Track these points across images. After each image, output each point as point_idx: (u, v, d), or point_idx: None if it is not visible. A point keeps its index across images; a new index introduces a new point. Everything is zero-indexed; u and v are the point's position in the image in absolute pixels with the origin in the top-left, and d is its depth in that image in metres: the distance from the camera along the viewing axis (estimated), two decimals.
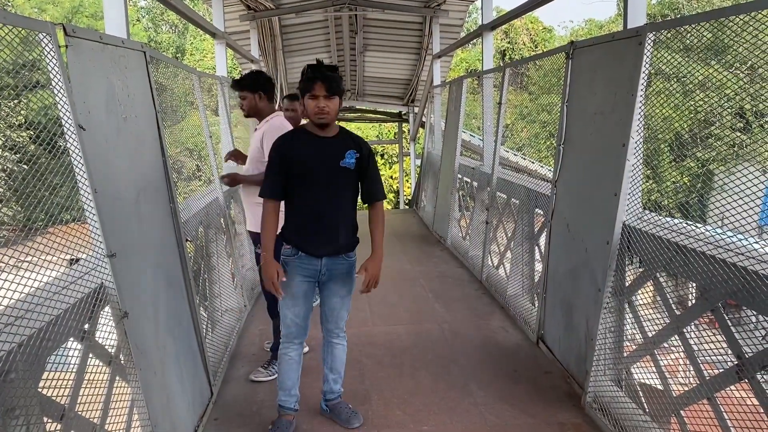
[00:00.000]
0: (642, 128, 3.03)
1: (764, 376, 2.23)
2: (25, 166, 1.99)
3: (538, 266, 4.84)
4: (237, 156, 4.04)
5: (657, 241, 2.81)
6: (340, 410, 3.31)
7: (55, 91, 2.16)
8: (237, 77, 3.82)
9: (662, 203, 3.27)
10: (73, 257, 2.20)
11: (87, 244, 2.29)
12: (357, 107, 14.20)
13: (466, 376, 3.89)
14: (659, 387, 2.93)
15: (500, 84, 5.75)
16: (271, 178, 2.93)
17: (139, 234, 2.74)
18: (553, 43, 25.64)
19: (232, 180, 3.79)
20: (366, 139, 3.89)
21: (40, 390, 1.90)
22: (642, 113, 3.00)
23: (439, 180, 8.71)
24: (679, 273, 2.66)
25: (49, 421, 1.95)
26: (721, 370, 2.43)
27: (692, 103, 2.81)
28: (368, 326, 4.88)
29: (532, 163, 11.58)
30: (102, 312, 2.36)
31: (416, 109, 12.67)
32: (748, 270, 2.24)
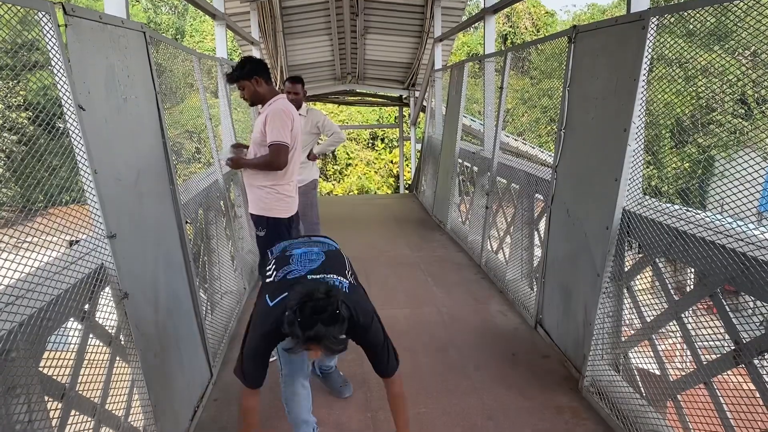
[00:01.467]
0: (644, 113, 3.02)
1: (761, 362, 2.24)
2: (24, 147, 1.99)
3: (537, 251, 4.85)
4: (240, 147, 4.04)
5: (657, 226, 2.81)
6: (333, 380, 3.42)
7: (55, 71, 2.14)
8: (234, 65, 3.77)
9: (662, 189, 3.26)
10: (73, 239, 2.20)
11: (87, 225, 2.29)
12: (357, 90, 14.10)
13: (464, 359, 3.91)
14: (656, 372, 2.95)
15: (502, 68, 5.71)
16: (253, 363, 2.35)
17: (139, 215, 2.74)
18: (555, 28, 25.47)
19: (235, 163, 3.78)
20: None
21: (40, 369, 1.91)
22: (644, 99, 2.99)
23: (439, 165, 8.69)
24: (679, 258, 2.67)
25: (50, 399, 1.96)
26: (718, 356, 2.45)
27: (694, 88, 2.79)
28: None
29: (533, 148, 11.55)
30: (102, 293, 2.37)
31: (417, 93, 12.60)
32: (747, 256, 2.24)
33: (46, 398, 1.91)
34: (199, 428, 3.14)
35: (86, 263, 2.22)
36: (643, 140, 3.05)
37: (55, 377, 2.01)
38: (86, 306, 2.25)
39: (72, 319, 2.15)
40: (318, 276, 2.30)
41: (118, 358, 2.47)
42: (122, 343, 2.49)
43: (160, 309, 2.86)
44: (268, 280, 2.43)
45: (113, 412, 2.42)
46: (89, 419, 2.22)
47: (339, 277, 2.32)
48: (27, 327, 1.79)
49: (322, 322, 1.97)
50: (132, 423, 2.57)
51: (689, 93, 2.82)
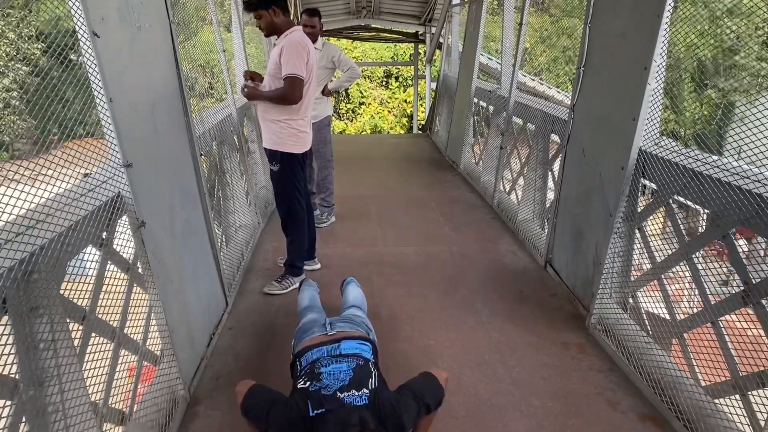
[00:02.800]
0: (665, 52, 2.94)
1: None
2: (37, 79, 1.98)
3: (550, 194, 4.84)
4: (253, 77, 4.00)
5: (672, 166, 2.79)
6: None
7: None
8: None
9: (679, 133, 3.21)
10: (88, 171, 2.22)
11: (103, 156, 2.31)
12: (372, 26, 13.80)
13: (473, 295, 3.97)
14: (664, 316, 2.98)
15: (522, 5, 5.56)
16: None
17: (155, 145, 2.75)
18: None
19: (250, 94, 3.74)
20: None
21: (61, 293, 1.97)
22: (667, 38, 2.91)
23: (454, 104, 8.58)
24: (693, 199, 2.66)
25: (71, 321, 2.03)
26: (727, 296, 2.47)
27: (718, 30, 2.71)
28: (379, 246, 4.95)
29: (549, 88, 11.34)
30: (119, 221, 2.41)
31: (433, 30, 12.31)
32: (763, 197, 2.23)
33: (67, 320, 1.98)
34: (216, 353, 3.25)
35: (104, 191, 2.25)
36: (663, 79, 2.99)
37: (75, 300, 2.07)
38: (104, 233, 2.29)
39: (90, 245, 2.19)
40: (348, 393, 2.24)
41: (135, 286, 2.53)
42: (139, 270, 2.55)
43: (176, 238, 2.91)
44: (300, 386, 2.34)
45: (132, 336, 2.50)
46: (109, 342, 2.30)
47: (364, 390, 2.28)
48: (48, 251, 1.83)
49: None
50: (150, 347, 2.66)
51: (713, 34, 2.74)
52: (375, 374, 2.39)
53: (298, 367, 2.50)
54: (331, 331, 2.66)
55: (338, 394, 2.23)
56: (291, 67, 3.50)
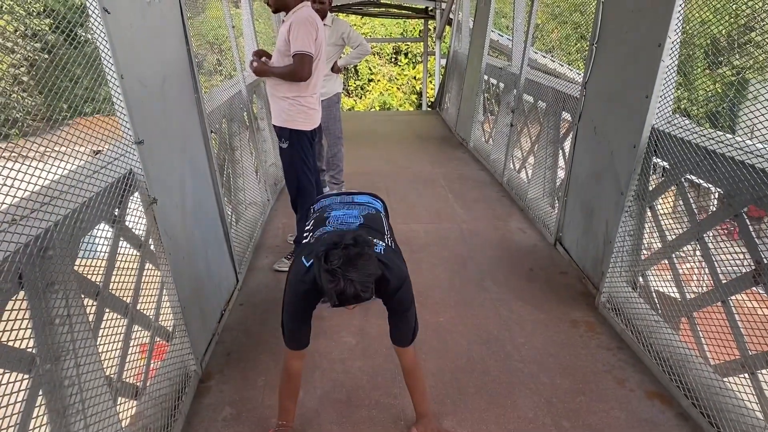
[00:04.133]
0: (680, 28, 2.90)
1: None
2: (46, 56, 1.97)
3: (560, 172, 4.82)
4: (262, 55, 3.97)
5: (685, 145, 2.77)
6: None
7: None
8: None
9: (691, 112, 3.18)
10: (99, 148, 2.22)
11: (114, 133, 2.32)
12: (381, 1, 13.64)
13: (482, 273, 3.98)
14: (674, 295, 2.98)
15: None
16: (295, 324, 2.27)
17: (166, 122, 2.76)
18: None
19: (259, 70, 3.72)
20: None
21: (75, 268, 2.00)
22: (682, 13, 2.86)
23: (464, 81, 8.51)
24: (705, 178, 2.64)
25: (85, 297, 2.05)
26: (738, 275, 2.46)
27: (734, 5, 2.66)
28: None
29: (561, 66, 11.21)
30: (131, 198, 2.42)
31: (443, 5, 12.16)
32: None
33: (82, 295, 2.00)
34: (226, 329, 3.29)
35: (115, 168, 2.26)
36: (677, 56, 2.95)
37: (89, 276, 2.10)
38: (116, 210, 2.30)
39: (103, 222, 2.21)
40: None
41: (147, 262, 2.55)
42: (151, 247, 2.57)
43: (187, 215, 2.93)
44: (304, 241, 2.35)
45: (144, 312, 2.53)
46: (122, 318, 2.33)
47: (378, 241, 2.24)
48: (62, 227, 1.85)
49: (352, 266, 1.89)
50: (162, 323, 2.69)
51: (728, 11, 2.69)
52: (388, 231, 2.40)
53: (311, 214, 2.54)
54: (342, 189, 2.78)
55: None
56: (300, 44, 3.47)
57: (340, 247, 1.93)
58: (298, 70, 3.52)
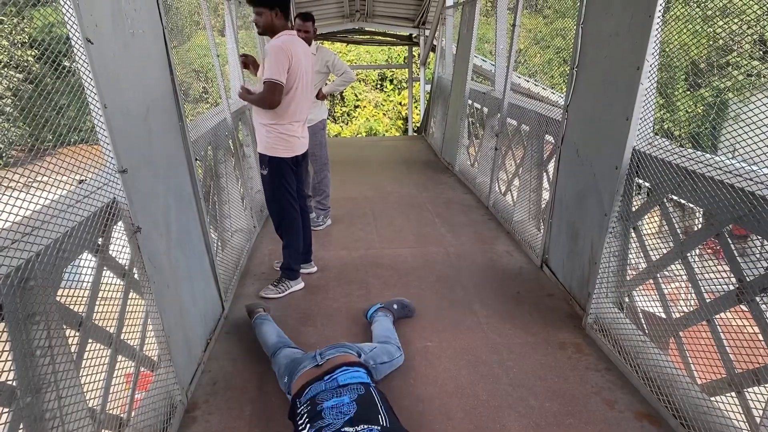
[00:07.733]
0: (658, 51, 2.96)
1: (764, 299, 2.27)
2: (30, 86, 1.98)
3: (545, 194, 4.85)
4: (251, 63, 4.01)
5: (666, 165, 2.80)
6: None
7: (61, 2, 2.12)
8: None
9: (673, 133, 3.24)
10: (83, 178, 2.21)
11: (98, 162, 2.31)
12: (366, 29, 13.79)
13: (470, 296, 3.98)
14: (660, 315, 3.00)
15: (515, 6, 5.58)
16: None
17: (150, 151, 2.75)
18: None
19: (241, 94, 3.77)
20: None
21: (58, 299, 1.97)
22: (659, 37, 2.93)
23: (448, 106, 8.59)
24: (687, 198, 2.67)
25: (68, 328, 2.02)
26: (722, 293, 2.48)
27: (711, 29, 2.72)
28: (375, 248, 4.96)
29: (544, 89, 11.37)
30: (115, 227, 2.41)
31: (427, 32, 12.32)
32: (756, 195, 2.24)
33: (64, 326, 1.98)
34: (212, 358, 3.25)
35: (99, 197, 2.25)
36: (656, 78, 3.00)
37: (71, 306, 2.07)
38: (99, 240, 2.29)
39: (86, 251, 2.19)
40: (352, 429, 2.24)
41: (132, 291, 2.53)
42: (135, 276, 2.55)
43: (172, 243, 2.91)
44: (300, 429, 2.32)
45: (129, 342, 2.50)
46: (106, 348, 2.30)
47: (373, 426, 2.23)
48: (44, 257, 1.83)
49: None
50: (147, 353, 2.66)
51: (706, 34, 2.75)
52: (381, 406, 2.34)
53: (298, 406, 2.45)
54: (321, 361, 2.66)
55: (345, 429, 2.17)
56: (270, 71, 3.52)
57: None
58: (267, 97, 3.56)
